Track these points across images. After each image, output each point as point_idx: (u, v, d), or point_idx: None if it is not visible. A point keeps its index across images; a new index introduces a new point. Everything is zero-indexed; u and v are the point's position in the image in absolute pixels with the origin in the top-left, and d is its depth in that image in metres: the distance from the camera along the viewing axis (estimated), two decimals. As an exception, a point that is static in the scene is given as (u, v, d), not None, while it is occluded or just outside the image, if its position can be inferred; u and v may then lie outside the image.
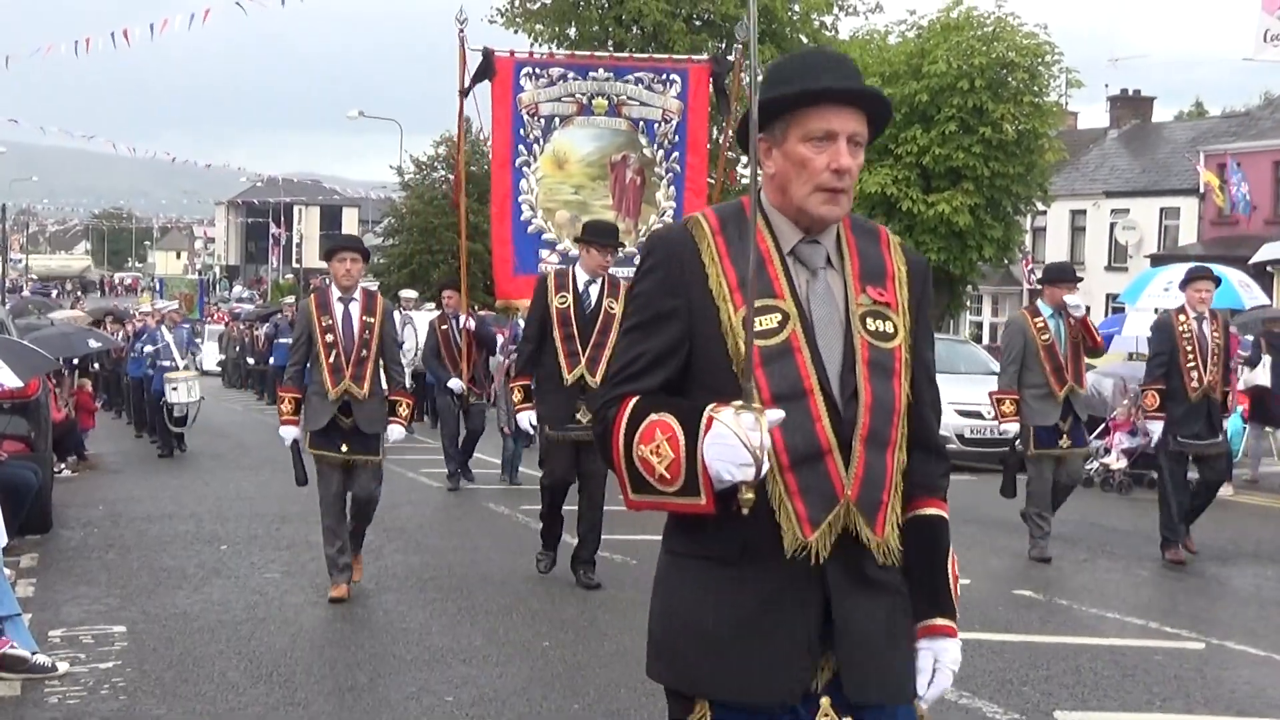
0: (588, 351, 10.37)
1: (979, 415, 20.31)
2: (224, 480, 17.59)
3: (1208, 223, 45.03)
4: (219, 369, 47.50)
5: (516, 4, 38.54)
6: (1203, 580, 11.60)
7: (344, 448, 10.08)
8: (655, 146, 16.36)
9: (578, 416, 10.25)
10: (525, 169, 16.11)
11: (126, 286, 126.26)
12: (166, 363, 21.62)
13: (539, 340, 10.59)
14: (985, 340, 48.75)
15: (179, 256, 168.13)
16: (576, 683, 7.88)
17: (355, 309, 10.18)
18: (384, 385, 10.42)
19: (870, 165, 32.02)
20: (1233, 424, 18.08)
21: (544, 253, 15.92)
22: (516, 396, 11.13)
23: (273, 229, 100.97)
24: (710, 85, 16.62)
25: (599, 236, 10.76)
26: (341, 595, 10.03)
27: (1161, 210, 46.87)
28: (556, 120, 16.20)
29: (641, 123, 16.33)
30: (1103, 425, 18.01)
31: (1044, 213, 43.19)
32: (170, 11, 31.06)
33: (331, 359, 10.02)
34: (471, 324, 16.80)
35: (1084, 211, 49.92)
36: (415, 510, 14.89)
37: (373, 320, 10.16)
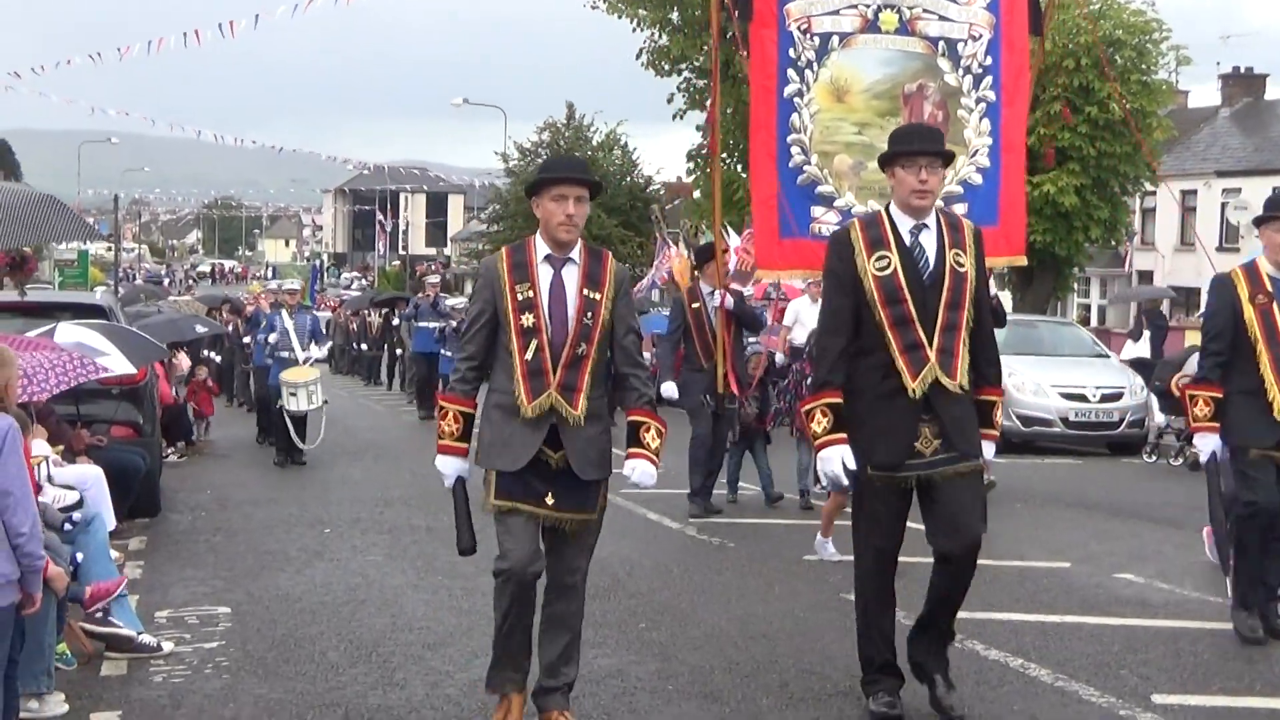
0: (936, 339, 6.73)
1: (1083, 398, 20.13)
2: (329, 465, 17.79)
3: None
4: (327, 355, 47.99)
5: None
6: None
7: (550, 499, 6.55)
8: (961, 72, 12.63)
9: (919, 447, 6.77)
10: (796, 101, 12.47)
11: (237, 275, 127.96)
12: (286, 353, 18.84)
13: (852, 328, 6.87)
14: (1094, 323, 48.23)
15: (288, 244, 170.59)
16: (670, 665, 7.93)
17: (573, 276, 6.57)
18: (607, 403, 6.76)
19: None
20: None
21: (817, 210, 12.42)
22: (819, 424, 6.83)
23: (378, 216, 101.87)
24: None
25: (909, 143, 6.94)
26: None
27: (1275, 189, 46.07)
28: (835, 39, 12.59)
29: (942, 42, 12.63)
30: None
31: (1153, 193, 42.56)
32: (273, 2, 31.39)
33: (530, 354, 6.48)
34: (730, 301, 13.47)
35: (1195, 191, 49.16)
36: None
37: (599, 296, 6.57)
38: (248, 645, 8.44)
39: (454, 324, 23.20)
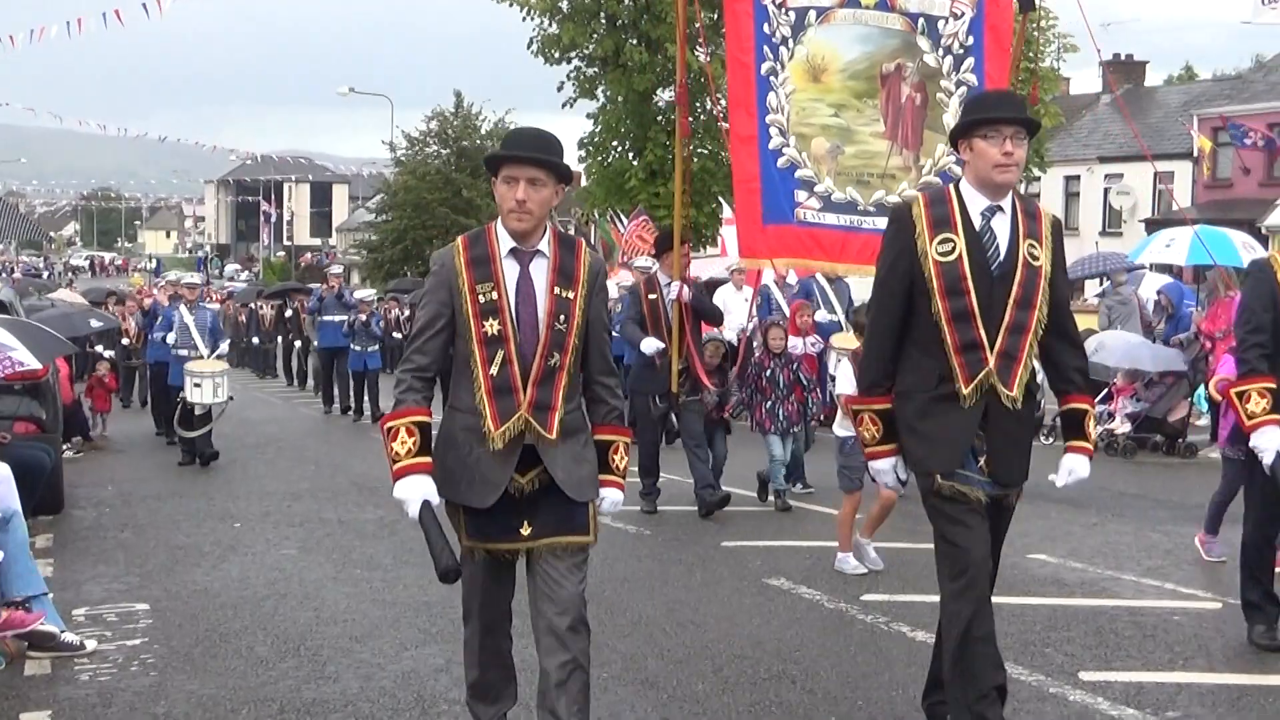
0: (1000, 340, 5.85)
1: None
2: (229, 458, 17.57)
3: (1201, 186, 45.11)
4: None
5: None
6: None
7: (525, 528, 5.57)
8: (940, 52, 11.92)
9: (980, 463, 5.96)
10: (772, 79, 11.86)
11: (118, 267, 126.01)
12: (185, 351, 17.85)
13: (900, 317, 6.03)
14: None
15: (169, 236, 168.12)
16: (602, 653, 7.92)
17: (542, 272, 5.56)
18: (584, 414, 5.85)
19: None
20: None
21: (800, 195, 11.85)
22: (867, 431, 6.10)
23: (263, 206, 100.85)
24: None
25: (993, 109, 6.01)
26: None
27: (1156, 175, 46.95)
28: (812, 14, 11.89)
29: (921, 19, 11.94)
30: (1105, 390, 18.05)
31: (1038, 179, 43.18)
32: (161, -9, 30.89)
33: (495, 368, 5.46)
34: (688, 294, 12.47)
35: (1078, 177, 49.97)
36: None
37: (572, 294, 5.57)
38: (172, 642, 8.33)
39: (363, 317, 22.98)
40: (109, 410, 21.22)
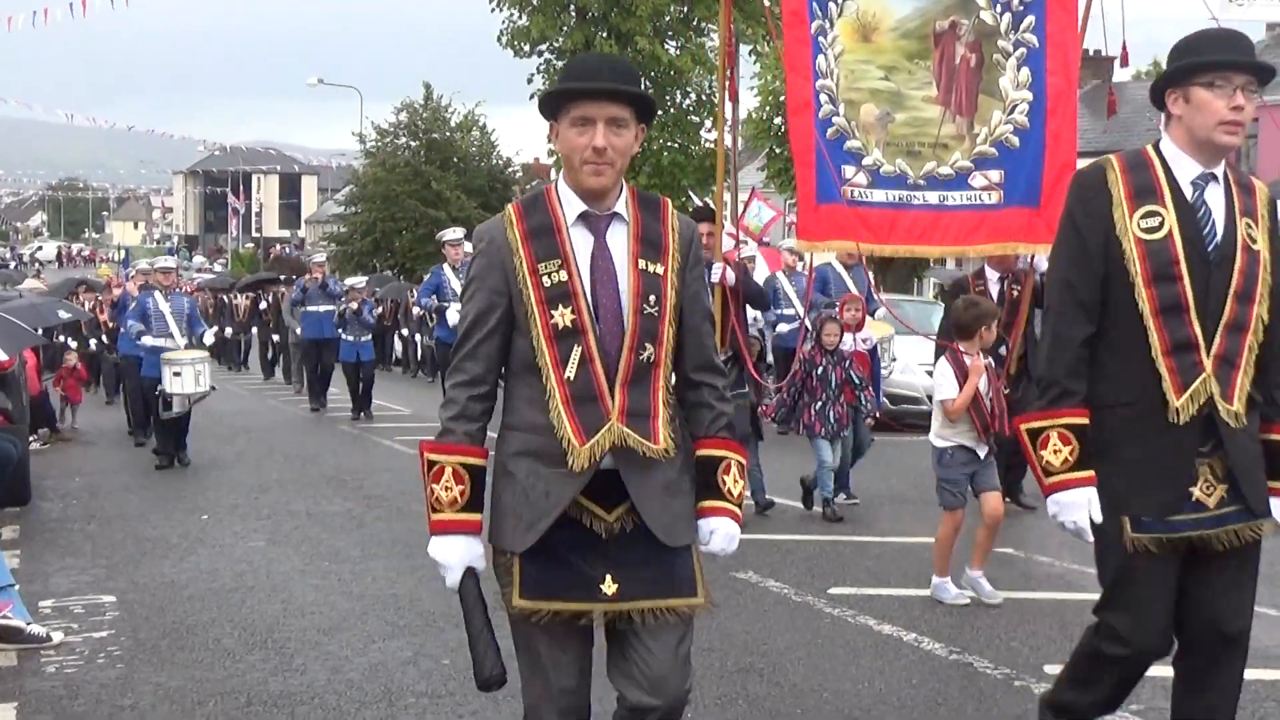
0: (1217, 341, 4.79)
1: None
2: (198, 450, 17.47)
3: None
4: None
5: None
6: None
7: (609, 584, 4.25)
8: (999, 8, 10.67)
9: (1198, 494, 4.82)
10: (820, 40, 10.64)
11: (85, 258, 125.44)
12: (162, 340, 16.78)
13: (1094, 307, 4.87)
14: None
15: (136, 226, 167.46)
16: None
17: (621, 241, 4.31)
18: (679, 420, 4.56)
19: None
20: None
21: (848, 170, 10.62)
22: (1056, 454, 4.82)
23: (231, 200, 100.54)
24: None
25: (1221, 50, 4.86)
26: None
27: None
28: None
29: None
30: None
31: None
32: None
33: (572, 370, 4.20)
34: (731, 276, 11.17)
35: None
36: (395, 478, 14.88)
37: (661, 268, 4.31)
38: (139, 634, 8.32)
39: (353, 306, 21.98)
40: (80, 401, 21.09)
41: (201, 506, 13.20)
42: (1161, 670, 7.46)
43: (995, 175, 10.43)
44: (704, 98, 38.54)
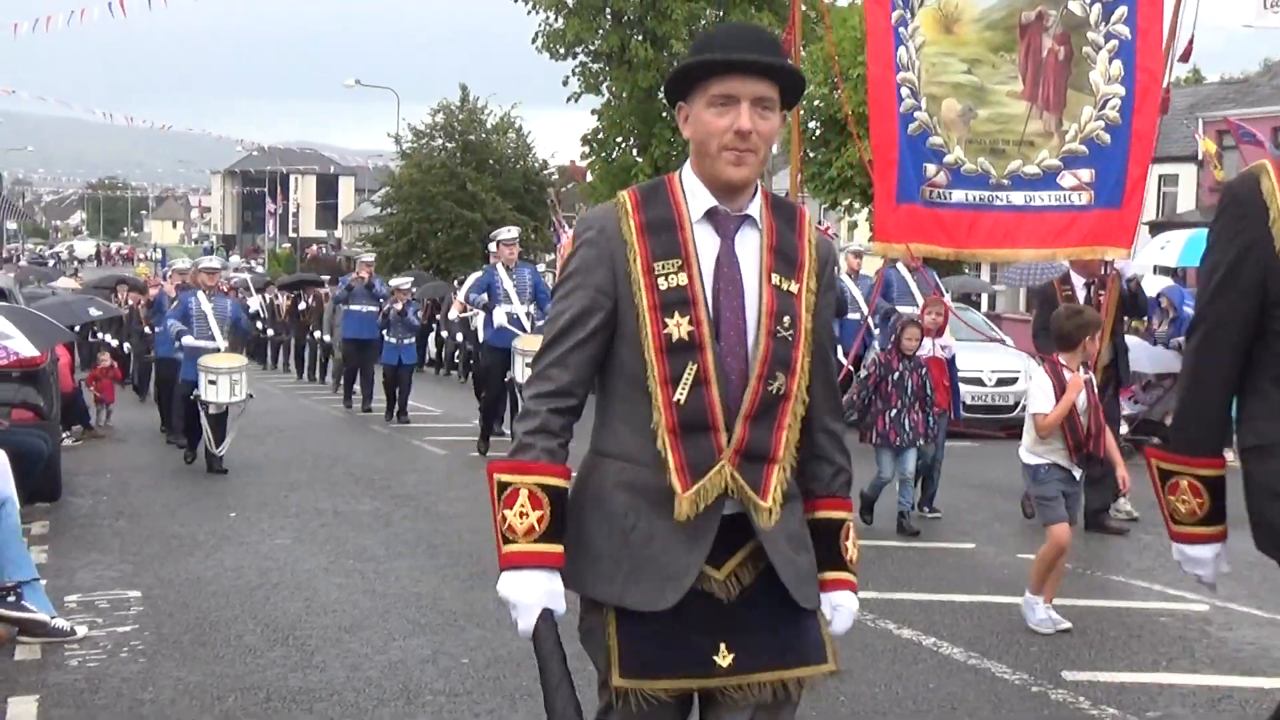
0: None
1: (980, 382, 20.34)
2: (229, 449, 17.60)
3: (1206, 190, 45.07)
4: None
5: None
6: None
7: (723, 654, 3.50)
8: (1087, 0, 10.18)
9: None
10: (901, 31, 10.19)
11: (124, 256, 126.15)
12: (203, 341, 16.13)
13: (1246, 339, 4.15)
14: (984, 307, 48.86)
15: (175, 226, 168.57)
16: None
17: (752, 249, 3.60)
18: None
19: (847, 143, 31.86)
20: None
21: (929, 168, 10.24)
22: (1184, 504, 4.31)
23: (269, 206, 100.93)
24: None
25: None
26: None
27: (1160, 177, 46.92)
28: None
29: None
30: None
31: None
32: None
33: (683, 390, 3.47)
34: None
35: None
36: (421, 478, 14.97)
37: (796, 285, 3.61)
38: (162, 629, 8.39)
39: (398, 306, 21.60)
40: (114, 400, 21.14)
41: (230, 504, 13.27)
42: (1180, 678, 7.48)
43: (1086, 174, 10.07)
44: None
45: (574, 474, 3.61)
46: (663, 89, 3.82)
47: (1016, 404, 20.43)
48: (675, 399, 3.44)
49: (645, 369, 3.48)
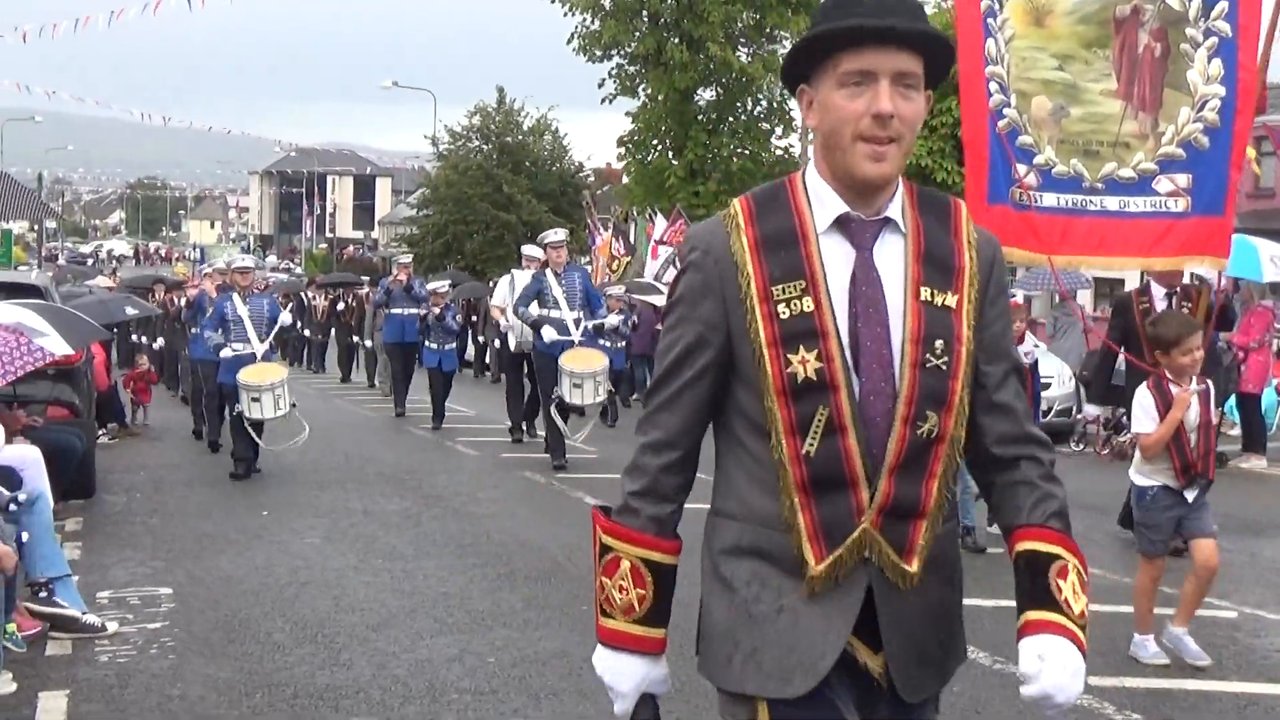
0: None
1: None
2: (262, 448, 17.69)
3: (1244, 195, 44.84)
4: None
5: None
6: (1234, 551, 11.62)
7: None
8: None
9: None
10: (990, 22, 9.57)
11: (162, 256, 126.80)
12: (240, 346, 15.72)
13: None
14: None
15: (213, 226, 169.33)
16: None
17: (897, 260, 3.01)
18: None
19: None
20: (1268, 396, 18.13)
21: (1020, 169, 9.55)
22: None
23: (305, 209, 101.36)
24: None
25: None
26: None
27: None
28: None
29: None
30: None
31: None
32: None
33: (813, 441, 2.91)
34: None
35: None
36: (451, 479, 15.03)
37: (954, 298, 3.01)
38: (192, 626, 8.46)
39: (436, 311, 20.93)
40: (149, 402, 21.20)
41: (262, 503, 13.36)
42: (1205, 684, 7.46)
43: (1183, 180, 9.47)
44: (775, 104, 38.47)
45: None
46: (780, 72, 3.19)
47: (1049, 409, 20.39)
48: (803, 451, 2.90)
49: (766, 415, 2.95)
